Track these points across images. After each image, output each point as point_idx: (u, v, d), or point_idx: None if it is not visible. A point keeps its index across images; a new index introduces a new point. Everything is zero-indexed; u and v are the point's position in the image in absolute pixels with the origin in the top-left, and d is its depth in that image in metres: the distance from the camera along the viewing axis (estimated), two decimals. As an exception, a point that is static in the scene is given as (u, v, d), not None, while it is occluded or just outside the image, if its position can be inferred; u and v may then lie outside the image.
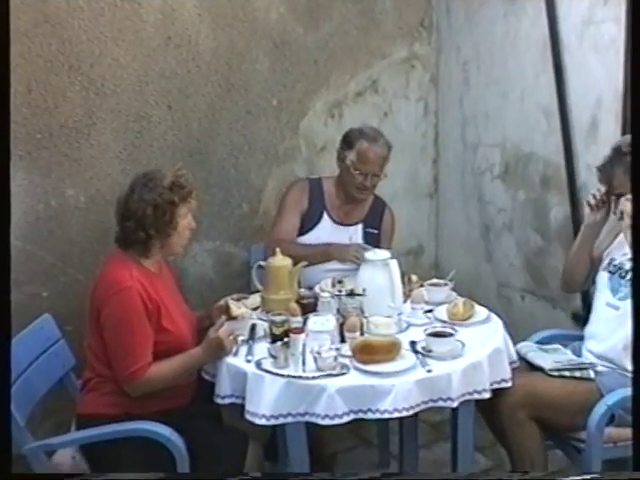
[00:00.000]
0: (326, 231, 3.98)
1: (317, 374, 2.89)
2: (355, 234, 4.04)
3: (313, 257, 3.75)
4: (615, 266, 3.30)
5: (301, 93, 4.47)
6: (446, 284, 3.65)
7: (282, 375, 2.90)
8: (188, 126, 4.13)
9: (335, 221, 4.01)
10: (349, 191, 3.96)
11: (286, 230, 3.95)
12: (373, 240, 4.01)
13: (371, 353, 2.97)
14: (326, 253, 3.87)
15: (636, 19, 2.07)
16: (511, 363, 3.24)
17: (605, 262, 3.37)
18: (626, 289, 3.18)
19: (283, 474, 3.13)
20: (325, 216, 4.00)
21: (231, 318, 3.21)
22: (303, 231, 3.98)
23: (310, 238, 3.97)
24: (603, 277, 3.35)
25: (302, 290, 3.52)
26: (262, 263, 3.56)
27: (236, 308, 3.26)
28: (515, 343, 3.43)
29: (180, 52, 4.04)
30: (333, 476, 2.93)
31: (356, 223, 4.06)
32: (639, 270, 2.04)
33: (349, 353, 3.01)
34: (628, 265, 3.18)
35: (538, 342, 3.54)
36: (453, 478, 3.24)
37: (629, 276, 3.11)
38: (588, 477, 2.48)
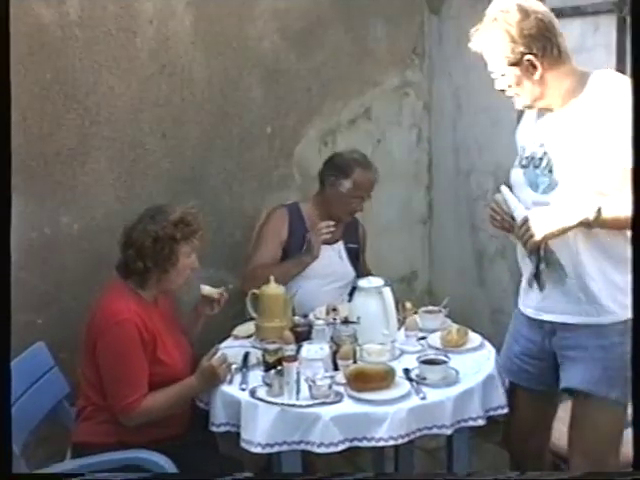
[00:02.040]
0: None
1: (311, 402, 2.89)
2: (340, 250, 4.14)
3: (291, 270, 3.75)
4: (527, 158, 2.92)
5: (294, 121, 4.49)
6: (440, 311, 3.66)
7: (276, 403, 2.90)
8: (182, 154, 4.14)
9: None
10: (338, 215, 4.03)
11: (266, 258, 3.97)
12: (354, 254, 4.18)
13: (365, 381, 2.97)
14: (300, 262, 3.92)
15: (636, 19, 2.09)
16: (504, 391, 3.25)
17: (517, 158, 3.03)
18: (547, 179, 2.80)
19: (277, 474, 3.11)
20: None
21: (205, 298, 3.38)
22: (290, 257, 4.00)
23: None
24: (518, 174, 2.94)
25: (296, 318, 3.53)
26: (256, 291, 3.56)
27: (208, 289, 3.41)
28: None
29: (174, 80, 4.05)
30: (326, 475, 2.91)
31: (337, 241, 4.13)
32: (639, 268, 2.05)
33: (343, 381, 3.01)
34: (541, 153, 2.84)
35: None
36: (450, 478, 3.23)
37: (544, 164, 2.81)
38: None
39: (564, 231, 2.66)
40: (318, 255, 3.90)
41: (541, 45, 2.63)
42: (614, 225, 2.59)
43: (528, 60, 2.64)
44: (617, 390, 2.77)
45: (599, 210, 2.56)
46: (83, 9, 3.74)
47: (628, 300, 2.52)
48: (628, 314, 2.51)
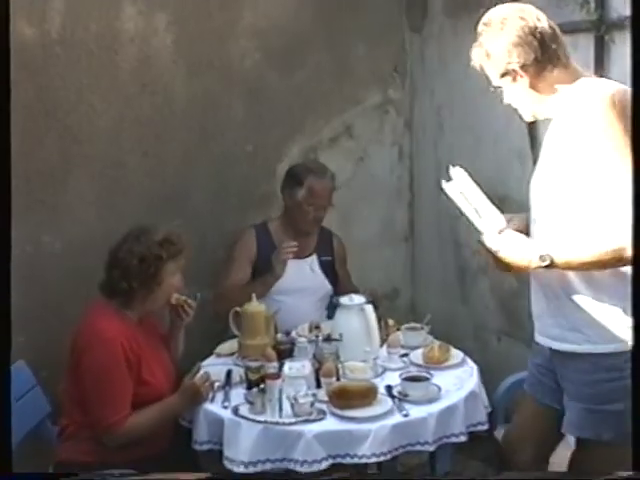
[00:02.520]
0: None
1: (294, 420, 2.90)
2: (312, 264, 4.17)
3: (256, 290, 3.76)
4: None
5: (276, 139, 4.49)
6: (422, 328, 3.67)
7: (259, 421, 2.91)
8: (163, 172, 4.14)
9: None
10: (300, 226, 4.08)
11: (237, 280, 4.01)
12: (329, 267, 4.21)
13: (347, 398, 2.98)
14: (264, 281, 3.95)
15: (636, 20, 2.10)
16: (484, 407, 3.26)
17: None
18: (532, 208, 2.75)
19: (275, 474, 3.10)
20: None
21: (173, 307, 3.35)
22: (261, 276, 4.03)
23: None
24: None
25: (279, 335, 3.53)
26: (238, 309, 3.57)
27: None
28: (492, 385, 3.44)
29: (155, 99, 4.06)
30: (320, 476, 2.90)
31: (310, 255, 4.16)
32: (639, 270, 2.04)
33: (326, 398, 3.02)
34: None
35: (515, 384, 3.52)
36: (441, 478, 3.23)
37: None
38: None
39: (519, 269, 2.61)
40: (281, 274, 3.93)
41: (524, 54, 2.55)
42: (577, 268, 2.51)
43: (513, 70, 2.58)
44: (609, 431, 2.58)
45: (543, 257, 2.50)
46: (65, 28, 3.75)
47: (614, 331, 2.52)
48: (613, 347, 2.50)
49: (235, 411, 2.99)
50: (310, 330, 3.57)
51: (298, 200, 4.02)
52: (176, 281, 3.26)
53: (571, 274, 2.56)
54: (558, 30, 2.61)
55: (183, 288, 3.34)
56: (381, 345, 3.50)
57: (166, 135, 4.13)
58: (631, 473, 2.09)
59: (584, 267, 2.48)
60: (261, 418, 2.92)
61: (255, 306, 3.54)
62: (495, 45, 2.58)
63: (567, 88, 2.57)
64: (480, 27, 2.64)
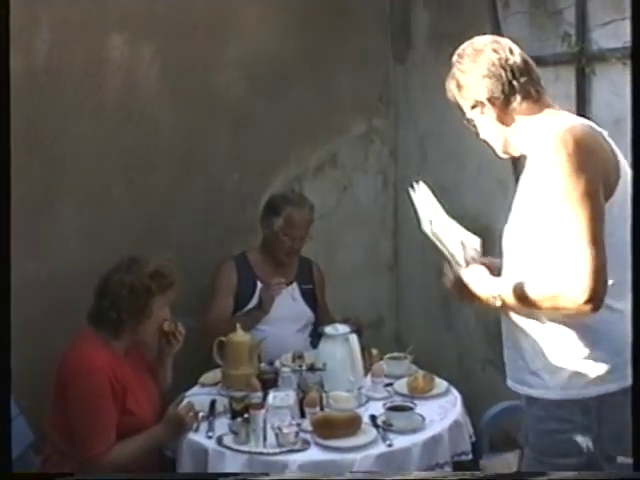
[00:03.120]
0: None
1: (278, 450, 2.89)
2: (294, 292, 4.17)
3: (242, 324, 3.75)
4: None
5: (261, 168, 4.50)
6: (406, 357, 3.67)
7: (243, 451, 2.90)
8: (148, 202, 4.15)
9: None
10: (277, 256, 4.11)
11: (220, 312, 4.03)
12: (310, 295, 4.23)
13: (331, 428, 2.98)
14: (252, 316, 3.98)
15: (636, 21, 2.12)
16: (469, 437, 3.26)
17: None
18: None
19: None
20: (259, 284, 4.09)
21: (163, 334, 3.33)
22: (242, 305, 4.07)
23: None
24: None
25: (263, 365, 3.53)
26: (222, 338, 3.56)
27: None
28: (477, 414, 3.45)
29: (141, 128, 4.07)
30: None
31: (290, 283, 4.16)
32: (639, 270, 2.05)
33: (310, 428, 3.01)
34: None
35: (499, 413, 3.52)
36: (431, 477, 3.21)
37: None
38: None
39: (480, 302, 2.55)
40: (269, 310, 3.96)
41: (492, 86, 2.46)
42: (522, 311, 2.44)
43: (481, 102, 2.49)
44: None
45: (495, 297, 2.45)
46: (51, 56, 3.75)
47: (571, 379, 2.36)
48: (566, 394, 2.38)
49: (219, 441, 2.99)
50: (293, 360, 3.58)
51: (275, 230, 4.06)
52: (164, 314, 3.26)
53: (533, 317, 2.46)
54: (532, 63, 2.54)
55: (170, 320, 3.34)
56: (365, 374, 3.50)
57: (151, 165, 4.13)
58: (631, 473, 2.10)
59: (527, 310, 2.41)
60: (245, 448, 2.91)
61: (240, 336, 3.54)
62: (466, 76, 2.52)
63: (532, 123, 2.49)
64: (454, 58, 2.58)
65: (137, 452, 3.08)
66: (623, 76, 3.34)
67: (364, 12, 4.75)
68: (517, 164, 3.95)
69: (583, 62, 3.51)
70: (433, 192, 2.82)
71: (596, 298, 2.21)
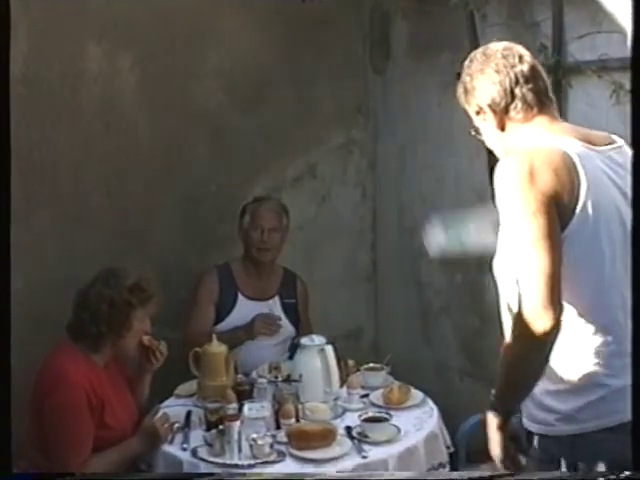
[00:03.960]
0: (246, 309, 4.05)
1: (253, 462, 2.88)
2: (274, 306, 4.15)
3: (234, 339, 3.80)
4: None
5: (240, 178, 4.50)
6: (382, 368, 3.67)
7: (218, 463, 2.89)
8: (126, 211, 4.14)
9: (251, 298, 4.11)
10: (252, 255, 4.09)
11: (201, 323, 4.02)
12: (292, 309, 4.19)
13: (306, 440, 2.97)
14: (236, 336, 3.93)
15: (636, 22, 2.12)
16: (447, 447, 3.26)
17: None
18: None
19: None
20: (240, 296, 4.09)
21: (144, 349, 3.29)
22: (222, 317, 4.05)
23: (232, 321, 4.04)
24: None
25: (239, 376, 3.53)
26: (198, 349, 3.55)
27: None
28: (454, 425, 3.45)
29: (119, 138, 4.07)
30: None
31: (272, 296, 4.15)
32: (639, 266, 2.04)
33: (285, 440, 3.01)
34: None
35: (477, 424, 3.50)
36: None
37: None
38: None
39: None
40: (254, 338, 3.95)
41: (495, 92, 2.40)
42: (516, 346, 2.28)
43: (482, 108, 2.45)
44: None
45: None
46: (28, 67, 3.74)
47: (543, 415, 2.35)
48: (538, 428, 2.37)
49: (194, 453, 2.98)
50: (270, 371, 3.57)
51: (245, 228, 4.08)
52: (144, 327, 3.25)
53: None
54: (541, 72, 2.47)
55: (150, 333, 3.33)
56: (341, 386, 3.50)
57: (129, 174, 4.13)
58: (631, 473, 2.09)
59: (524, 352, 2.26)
60: (220, 460, 2.90)
61: (216, 347, 3.53)
62: (472, 81, 2.47)
63: (520, 133, 2.43)
64: (466, 62, 2.53)
65: (113, 465, 3.06)
66: (598, 88, 3.38)
67: (343, 24, 4.76)
68: (493, 173, 3.97)
69: (560, 74, 3.53)
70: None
71: (550, 303, 2.09)
